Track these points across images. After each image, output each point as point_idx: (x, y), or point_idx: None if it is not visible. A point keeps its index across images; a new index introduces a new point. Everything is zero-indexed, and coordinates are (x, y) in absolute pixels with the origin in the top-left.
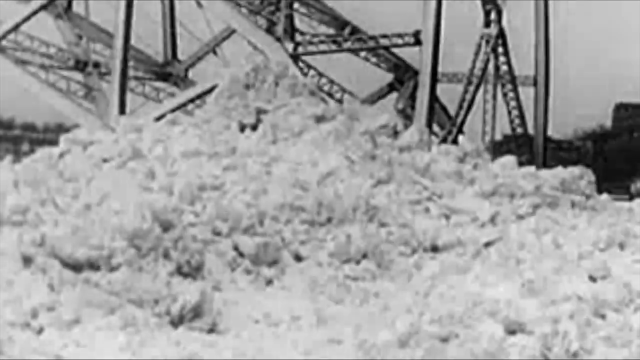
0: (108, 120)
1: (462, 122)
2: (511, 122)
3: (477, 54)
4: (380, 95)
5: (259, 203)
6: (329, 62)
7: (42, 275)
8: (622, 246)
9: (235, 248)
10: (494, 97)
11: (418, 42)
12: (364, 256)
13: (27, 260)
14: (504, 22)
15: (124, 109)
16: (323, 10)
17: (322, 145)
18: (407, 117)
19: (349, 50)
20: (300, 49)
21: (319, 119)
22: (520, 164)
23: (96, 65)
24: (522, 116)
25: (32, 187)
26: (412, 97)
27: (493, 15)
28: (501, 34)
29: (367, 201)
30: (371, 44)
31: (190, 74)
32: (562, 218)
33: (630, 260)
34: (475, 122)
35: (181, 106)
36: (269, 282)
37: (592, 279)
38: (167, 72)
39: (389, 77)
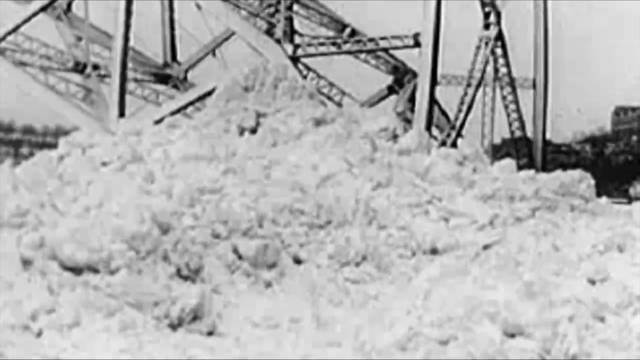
0: (107, 122)
1: (462, 125)
2: (510, 125)
3: (476, 56)
4: (379, 97)
5: (258, 206)
6: (328, 65)
7: (42, 278)
8: (621, 249)
9: (235, 251)
10: (493, 99)
11: (417, 44)
12: (364, 259)
13: (26, 263)
14: (503, 25)
15: (123, 111)
16: (322, 12)
17: (322, 148)
18: (407, 119)
19: (349, 52)
20: (299, 51)
21: (319, 122)
22: (520, 167)
23: (95, 67)
24: (521, 119)
25: (32, 189)
26: (412, 100)
27: (492, 18)
28: (500, 36)
29: (367, 204)
30: (370, 46)
31: (190, 76)
32: (561, 221)
33: (629, 263)
34: (474, 125)
35: (181, 109)
36: (269, 284)
37: (591, 281)
38: (167, 74)
39: (389, 79)
